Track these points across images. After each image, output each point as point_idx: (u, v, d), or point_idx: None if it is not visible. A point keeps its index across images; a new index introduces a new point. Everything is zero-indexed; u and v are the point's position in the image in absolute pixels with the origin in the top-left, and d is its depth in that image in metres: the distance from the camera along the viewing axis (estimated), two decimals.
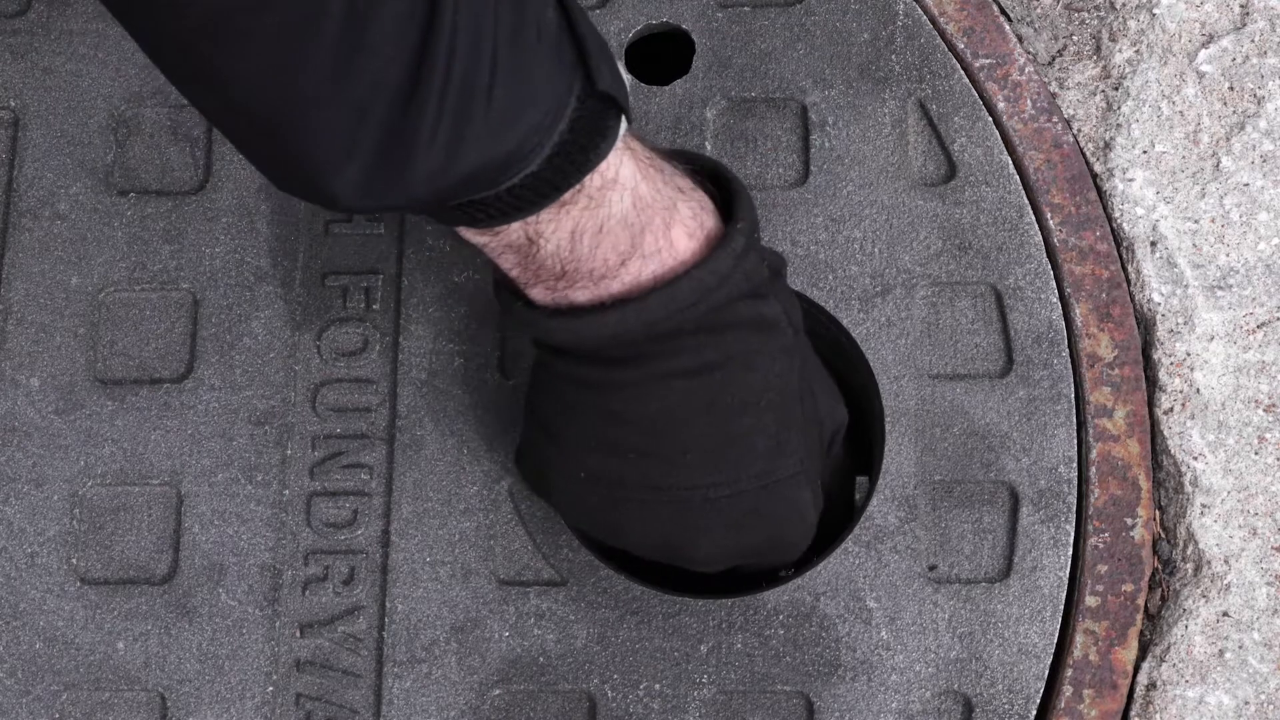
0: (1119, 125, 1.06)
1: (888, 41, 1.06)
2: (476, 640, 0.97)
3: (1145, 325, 1.02)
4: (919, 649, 0.95)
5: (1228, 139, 1.05)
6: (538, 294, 0.83)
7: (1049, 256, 1.02)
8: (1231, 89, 1.06)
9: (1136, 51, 1.07)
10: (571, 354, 0.84)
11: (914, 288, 1.01)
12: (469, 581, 0.97)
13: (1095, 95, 1.07)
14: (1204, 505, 0.99)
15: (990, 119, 1.05)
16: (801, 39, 1.06)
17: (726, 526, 0.85)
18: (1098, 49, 1.08)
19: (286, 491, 0.99)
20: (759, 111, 1.05)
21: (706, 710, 0.95)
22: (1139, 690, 0.96)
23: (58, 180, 1.06)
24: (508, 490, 0.99)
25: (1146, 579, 0.97)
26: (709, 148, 1.04)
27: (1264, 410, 1.00)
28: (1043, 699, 0.95)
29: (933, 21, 1.07)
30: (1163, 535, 0.99)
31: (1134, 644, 0.97)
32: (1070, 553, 0.97)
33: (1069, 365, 1.00)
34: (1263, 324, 1.02)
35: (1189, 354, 1.01)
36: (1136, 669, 0.97)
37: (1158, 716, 0.95)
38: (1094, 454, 0.99)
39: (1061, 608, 0.96)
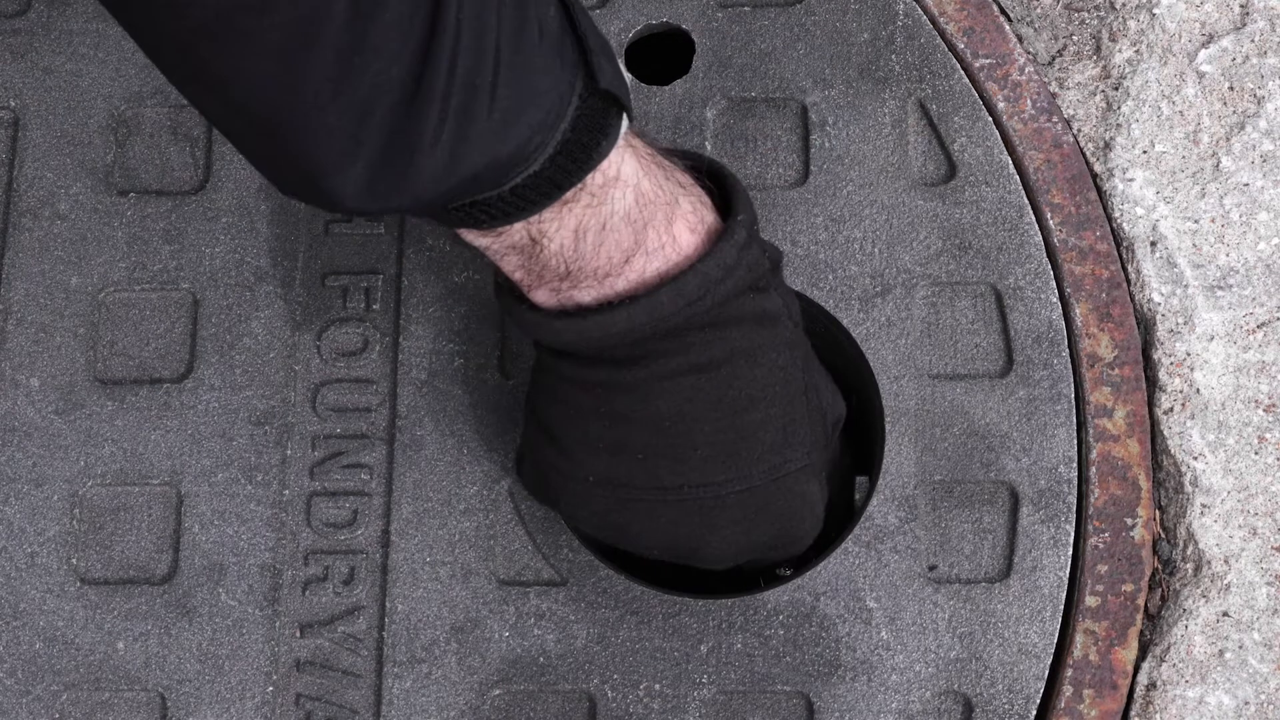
0: (1119, 125, 1.06)
1: (888, 41, 1.06)
2: (476, 640, 0.97)
3: (1145, 325, 1.02)
4: (919, 649, 0.95)
5: (1228, 139, 1.05)
6: (542, 296, 0.82)
7: (1049, 256, 1.02)
8: (1231, 89, 1.06)
9: (1136, 51, 1.07)
10: (575, 356, 0.83)
11: (914, 288, 1.01)
12: (469, 581, 0.97)
13: (1095, 95, 1.07)
14: (1204, 505, 0.99)
15: (990, 119, 1.05)
16: (801, 39, 1.07)
17: (738, 522, 0.85)
18: (1098, 49, 1.08)
19: (286, 491, 0.99)
20: (759, 111, 1.05)
21: (706, 710, 0.95)
22: (1139, 690, 0.96)
23: (58, 180, 1.06)
24: (508, 490, 0.99)
25: (1146, 579, 0.97)
26: (709, 148, 1.04)
27: (1264, 410, 1.00)
28: (1043, 699, 0.95)
29: (933, 21, 1.07)
30: (1163, 535, 0.99)
31: (1134, 644, 0.97)
32: (1070, 553, 0.97)
33: (1069, 365, 1.00)
34: (1263, 324, 1.02)
35: (1189, 354, 1.01)
36: (1136, 669, 0.97)
37: (1158, 716, 0.95)
38: (1094, 454, 0.99)
39: (1061, 608, 0.96)
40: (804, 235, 1.03)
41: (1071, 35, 1.09)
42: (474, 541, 0.98)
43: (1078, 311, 1.01)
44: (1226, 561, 0.98)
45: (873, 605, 0.96)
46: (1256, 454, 1.00)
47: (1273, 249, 1.03)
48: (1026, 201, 1.03)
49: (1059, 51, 1.09)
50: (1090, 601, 0.96)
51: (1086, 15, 1.10)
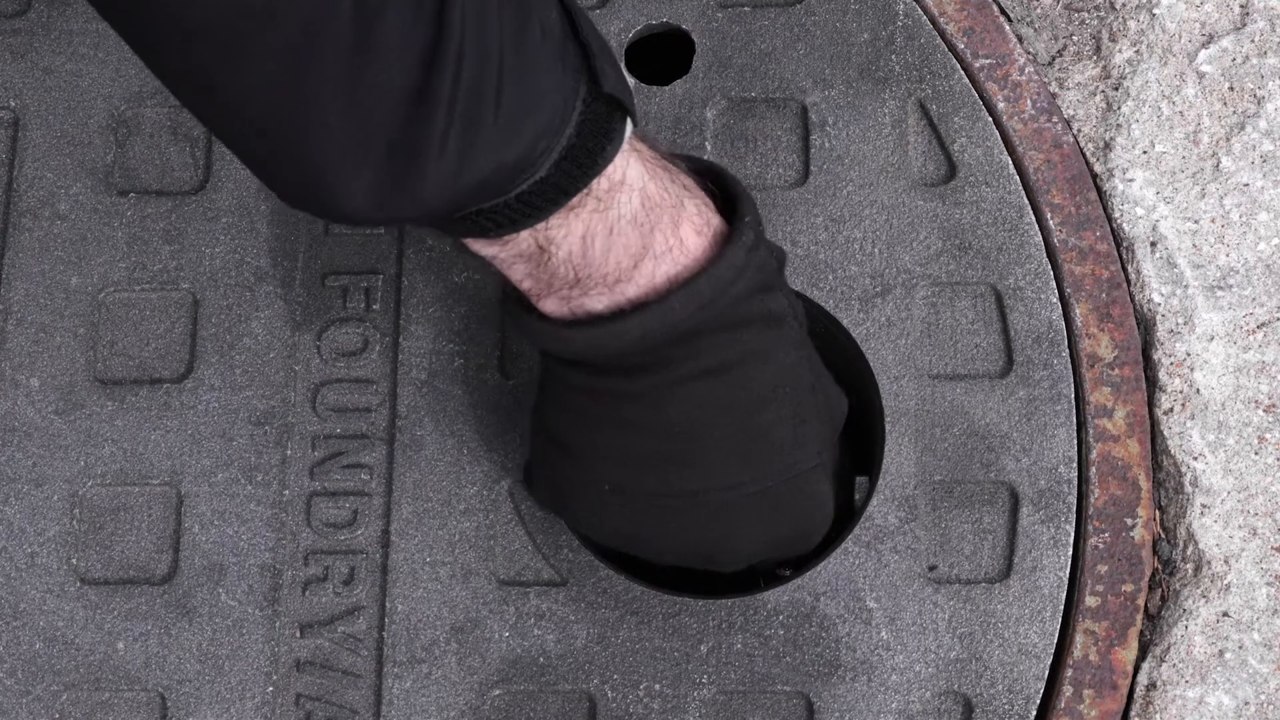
0: (1119, 125, 1.06)
1: (888, 41, 1.06)
2: (476, 640, 0.97)
3: (1145, 325, 1.02)
4: (919, 649, 0.95)
5: (1228, 139, 1.05)
6: (551, 306, 0.81)
7: (1049, 256, 1.02)
8: (1231, 89, 1.06)
9: (1136, 52, 1.07)
10: (585, 365, 0.82)
11: (914, 288, 1.01)
12: (469, 581, 0.97)
13: (1095, 95, 1.07)
14: (1204, 505, 0.99)
15: (990, 119, 1.05)
16: (801, 39, 1.06)
17: (753, 524, 0.85)
18: (1098, 49, 1.08)
19: (286, 491, 0.99)
20: (759, 111, 1.05)
21: (706, 710, 0.95)
22: (1139, 690, 0.96)
23: (58, 180, 1.06)
24: (508, 490, 0.99)
25: (1146, 579, 0.97)
26: (709, 148, 1.04)
27: (1264, 410, 1.00)
28: (1043, 699, 0.95)
29: (933, 21, 1.07)
30: (1163, 535, 0.99)
31: (1134, 644, 0.97)
32: (1070, 553, 0.97)
33: (1069, 365, 1.00)
34: (1263, 324, 1.02)
35: (1189, 354, 1.01)
36: (1136, 669, 0.97)
37: (1158, 717, 0.95)
38: (1094, 454, 0.99)
39: (1061, 608, 0.96)
40: (804, 235, 1.02)
41: (1071, 35, 1.09)
42: (474, 541, 0.98)
43: (1078, 312, 1.01)
44: (1226, 562, 0.98)
45: (873, 605, 0.96)
46: (1256, 454, 1.00)
47: (1273, 249, 1.03)
48: (1026, 202, 1.03)
49: (1059, 52, 1.09)
50: (1090, 602, 0.96)
51: (1086, 15, 1.10)
